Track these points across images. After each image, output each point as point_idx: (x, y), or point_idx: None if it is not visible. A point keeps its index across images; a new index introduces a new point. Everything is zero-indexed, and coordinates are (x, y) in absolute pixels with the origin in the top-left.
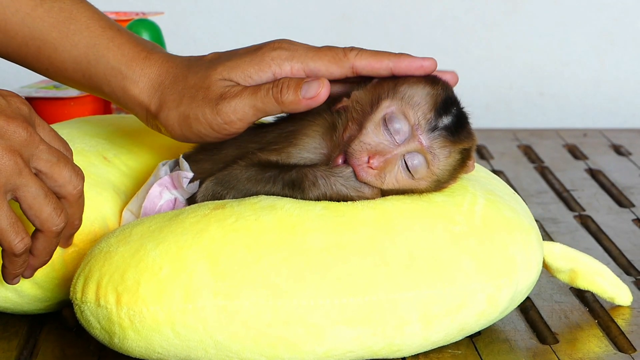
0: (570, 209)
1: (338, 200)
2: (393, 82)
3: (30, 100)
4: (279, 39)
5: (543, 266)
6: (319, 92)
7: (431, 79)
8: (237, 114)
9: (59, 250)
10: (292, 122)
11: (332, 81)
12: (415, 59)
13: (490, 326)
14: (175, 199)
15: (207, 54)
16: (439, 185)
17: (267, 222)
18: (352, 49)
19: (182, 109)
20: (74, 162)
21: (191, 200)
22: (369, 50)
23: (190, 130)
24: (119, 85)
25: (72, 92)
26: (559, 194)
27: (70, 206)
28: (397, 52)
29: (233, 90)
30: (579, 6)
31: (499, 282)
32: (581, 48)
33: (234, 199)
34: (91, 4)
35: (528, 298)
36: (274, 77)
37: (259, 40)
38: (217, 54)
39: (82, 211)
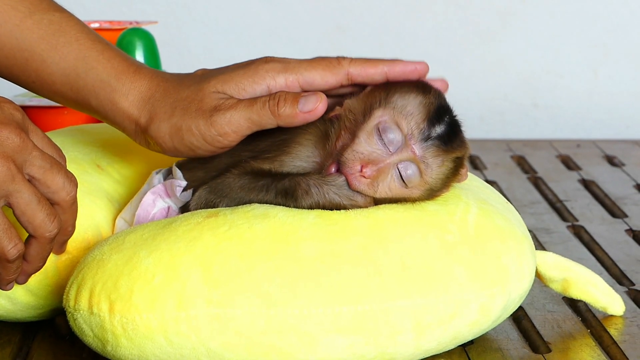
0: (563, 219)
1: (331, 209)
2: (385, 91)
3: (24, 108)
4: (269, 56)
5: (536, 275)
6: (317, 106)
7: (422, 87)
8: (232, 125)
9: (52, 257)
10: (285, 131)
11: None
12: (408, 63)
13: (482, 335)
14: (169, 207)
15: (196, 70)
16: (431, 193)
17: (260, 230)
18: (344, 57)
19: (174, 121)
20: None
21: (184, 208)
22: (362, 57)
23: (182, 143)
24: (107, 98)
25: None
26: (552, 204)
27: (64, 212)
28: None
29: (228, 103)
30: (573, 18)
31: (491, 291)
32: (575, 59)
33: (227, 207)
34: (80, 19)
35: (521, 307)
36: (268, 90)
37: (252, 50)
38: (207, 69)
39: (76, 217)
